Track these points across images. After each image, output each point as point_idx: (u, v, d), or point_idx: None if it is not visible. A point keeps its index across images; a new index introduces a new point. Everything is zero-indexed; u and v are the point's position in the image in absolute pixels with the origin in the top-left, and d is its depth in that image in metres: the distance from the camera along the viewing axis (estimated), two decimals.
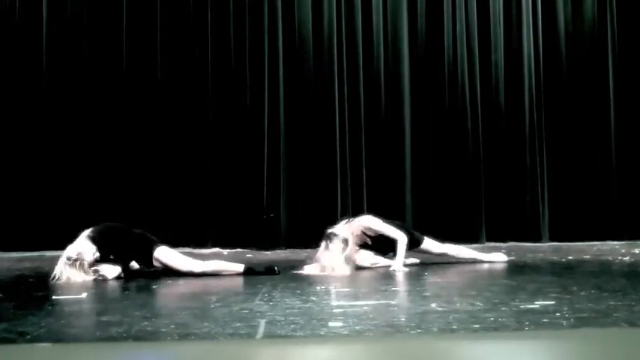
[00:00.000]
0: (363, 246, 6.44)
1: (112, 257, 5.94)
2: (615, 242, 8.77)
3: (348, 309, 4.20)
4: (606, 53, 9.34)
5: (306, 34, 9.13)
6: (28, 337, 3.52)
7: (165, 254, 5.95)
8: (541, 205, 9.19)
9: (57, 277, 5.66)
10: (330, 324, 3.71)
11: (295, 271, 6.08)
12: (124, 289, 5.44)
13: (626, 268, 6.36)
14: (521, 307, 4.12)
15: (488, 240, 8.99)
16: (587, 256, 7.27)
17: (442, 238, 6.94)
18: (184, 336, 3.49)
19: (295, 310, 4.16)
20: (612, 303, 4.18)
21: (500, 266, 6.53)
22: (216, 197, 8.95)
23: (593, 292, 4.65)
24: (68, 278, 5.63)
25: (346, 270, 5.96)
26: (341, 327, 3.64)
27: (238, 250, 8.67)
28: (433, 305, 4.27)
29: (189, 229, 8.76)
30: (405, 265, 6.22)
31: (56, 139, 8.88)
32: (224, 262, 6.28)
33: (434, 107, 9.22)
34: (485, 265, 6.59)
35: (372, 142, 9.13)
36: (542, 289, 4.82)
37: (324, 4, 9.14)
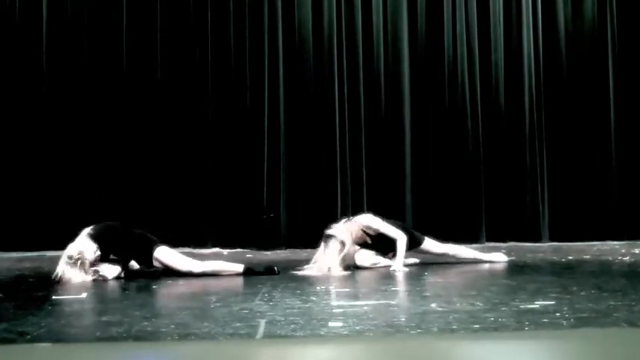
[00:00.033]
0: (364, 245, 6.44)
1: (112, 257, 5.95)
2: (615, 242, 8.77)
3: (348, 309, 4.20)
4: (606, 53, 9.34)
5: (306, 34, 9.13)
6: (28, 337, 3.52)
7: (165, 254, 5.95)
8: (541, 205, 9.19)
9: (59, 276, 5.67)
10: (330, 324, 3.71)
11: (293, 272, 6.07)
12: (124, 289, 5.44)
13: (626, 268, 6.36)
14: (521, 307, 4.12)
15: (488, 240, 8.99)
16: (587, 256, 7.26)
17: (442, 238, 6.94)
18: (184, 336, 3.49)
19: (295, 310, 4.16)
20: (612, 303, 4.18)
21: (500, 266, 6.53)
22: (216, 197, 8.95)
23: (593, 292, 4.65)
24: (70, 277, 5.63)
25: (341, 271, 5.96)
26: (341, 327, 3.64)
27: (238, 250, 8.67)
28: (433, 305, 4.27)
29: (189, 229, 8.76)
30: (405, 265, 6.22)
31: (56, 139, 8.88)
32: (224, 262, 6.28)
33: (434, 107, 9.23)
34: (486, 265, 6.59)
35: (372, 142, 9.14)
36: (542, 289, 4.82)
37: (324, 4, 9.14)
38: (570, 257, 7.20)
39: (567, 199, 9.20)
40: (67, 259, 5.70)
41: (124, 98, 8.96)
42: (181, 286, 5.57)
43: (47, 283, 5.62)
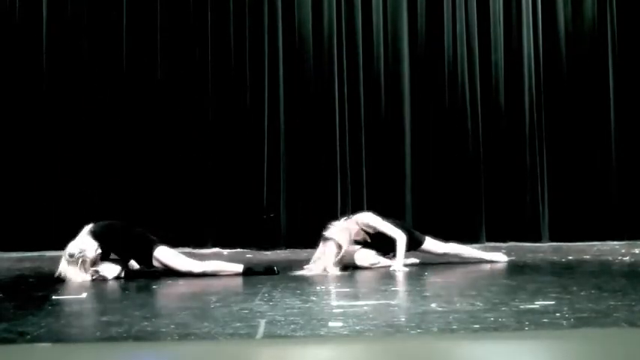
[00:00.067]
0: (364, 244, 6.43)
1: (112, 256, 5.95)
2: (615, 242, 8.77)
3: (348, 309, 4.20)
4: (606, 53, 9.34)
5: (306, 34, 9.13)
6: (28, 337, 3.52)
7: (165, 254, 5.95)
8: (541, 205, 9.19)
9: (61, 274, 5.67)
10: (330, 324, 3.71)
11: (291, 273, 6.07)
12: (124, 289, 5.44)
13: (626, 268, 6.36)
14: (521, 307, 4.12)
15: (488, 240, 8.99)
16: (587, 256, 7.26)
17: (442, 238, 6.92)
18: (184, 336, 3.49)
19: (295, 310, 4.16)
20: (612, 303, 4.18)
21: (500, 266, 6.53)
22: (216, 197, 8.95)
23: (593, 292, 4.65)
24: (71, 277, 5.63)
25: (337, 272, 5.96)
26: (341, 327, 3.64)
27: (238, 250, 8.67)
28: (433, 305, 4.27)
29: (189, 229, 8.76)
30: (405, 265, 6.22)
31: (56, 139, 8.88)
32: (223, 263, 6.28)
33: (434, 107, 9.23)
34: (486, 265, 6.59)
35: (372, 142, 9.14)
36: (542, 289, 4.81)
37: (324, 4, 9.15)
38: (570, 257, 7.20)
39: (567, 199, 9.20)
40: (68, 257, 5.70)
41: (124, 98, 8.96)
42: (181, 286, 5.57)
43: (47, 283, 5.62)
